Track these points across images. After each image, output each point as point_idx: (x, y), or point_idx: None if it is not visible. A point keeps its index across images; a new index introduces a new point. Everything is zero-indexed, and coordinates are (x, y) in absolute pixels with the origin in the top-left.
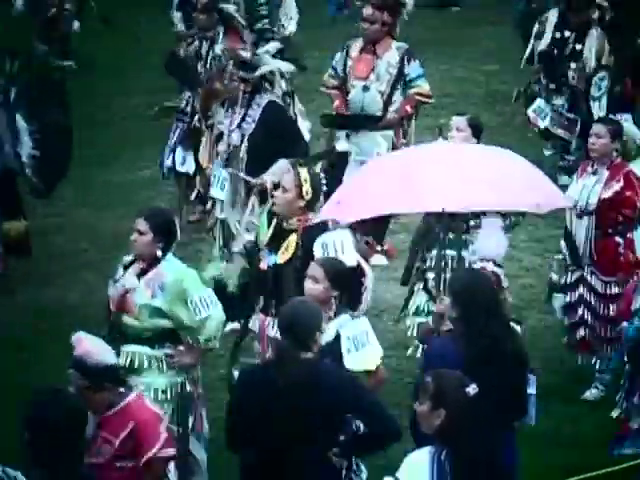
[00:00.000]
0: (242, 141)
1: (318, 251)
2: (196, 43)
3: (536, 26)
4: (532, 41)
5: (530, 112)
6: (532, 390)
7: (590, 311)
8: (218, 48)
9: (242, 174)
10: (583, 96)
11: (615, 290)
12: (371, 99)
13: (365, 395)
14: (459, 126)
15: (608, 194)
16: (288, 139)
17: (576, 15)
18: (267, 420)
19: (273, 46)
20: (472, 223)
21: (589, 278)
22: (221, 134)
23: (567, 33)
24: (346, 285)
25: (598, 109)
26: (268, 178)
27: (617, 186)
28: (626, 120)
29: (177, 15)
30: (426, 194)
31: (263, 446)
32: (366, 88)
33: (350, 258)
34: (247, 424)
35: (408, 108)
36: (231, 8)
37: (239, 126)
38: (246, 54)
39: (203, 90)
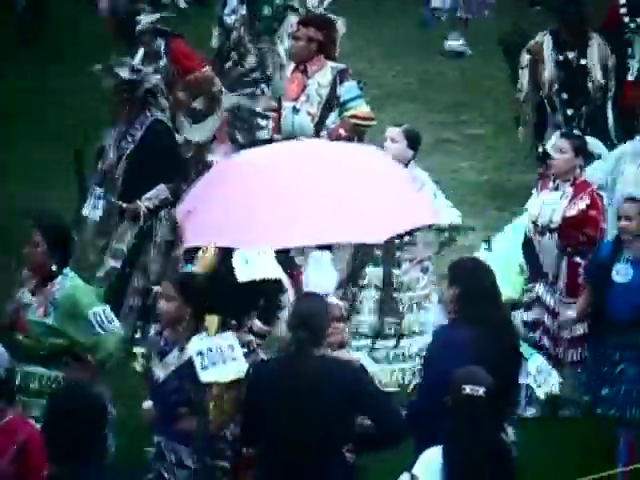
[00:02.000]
0: (119, 160)
1: (237, 263)
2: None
3: (526, 56)
4: (526, 71)
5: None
6: (523, 380)
7: (545, 332)
8: (163, 61)
9: (114, 198)
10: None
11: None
12: (301, 122)
13: (377, 392)
14: (394, 137)
15: (573, 212)
16: (168, 163)
17: (573, 33)
18: (283, 416)
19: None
20: (406, 239)
21: (547, 298)
22: (102, 149)
23: (570, 54)
24: (198, 302)
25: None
26: (143, 204)
27: (582, 204)
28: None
29: None
30: (255, 229)
31: (279, 442)
32: (296, 110)
33: (271, 272)
34: (263, 420)
35: (341, 131)
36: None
37: (118, 144)
38: (124, 74)
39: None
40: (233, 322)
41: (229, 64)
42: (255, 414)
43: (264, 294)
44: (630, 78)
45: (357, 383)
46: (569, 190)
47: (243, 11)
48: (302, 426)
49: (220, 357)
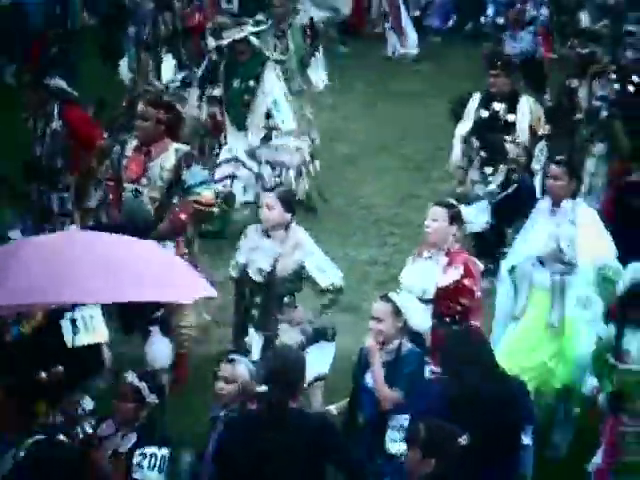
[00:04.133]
0: None
1: (65, 327)
2: (30, 121)
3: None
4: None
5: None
6: (527, 440)
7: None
8: (55, 124)
9: None
10: (522, 171)
11: None
12: (142, 205)
13: (343, 445)
14: (269, 203)
15: (446, 283)
16: None
17: (498, 84)
18: (256, 469)
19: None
20: (286, 300)
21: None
22: None
23: (496, 105)
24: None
25: (540, 183)
26: None
27: (456, 274)
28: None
29: None
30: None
31: None
32: (138, 192)
33: (99, 335)
34: (234, 473)
35: (182, 216)
36: (59, 82)
37: None
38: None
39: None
40: None
41: None
42: (227, 468)
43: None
44: None
45: (326, 436)
46: (443, 259)
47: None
48: (269, 471)
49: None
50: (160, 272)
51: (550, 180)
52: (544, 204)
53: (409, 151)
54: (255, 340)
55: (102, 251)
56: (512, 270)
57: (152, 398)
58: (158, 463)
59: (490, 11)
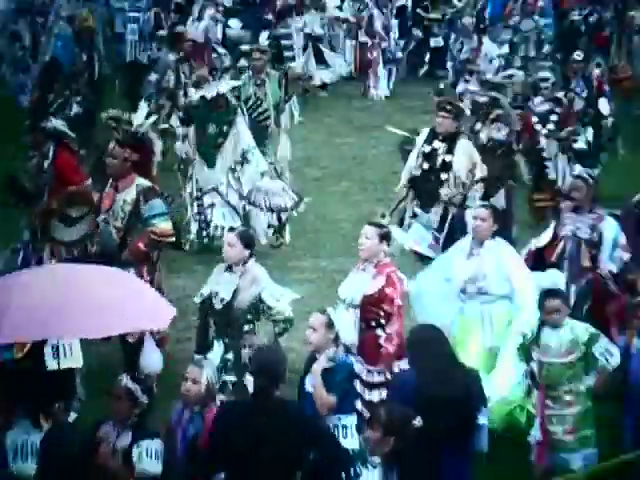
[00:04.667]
0: None
1: (47, 352)
2: (34, 160)
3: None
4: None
5: (410, 243)
6: (483, 420)
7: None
8: (47, 163)
9: None
10: (457, 211)
11: (378, 379)
12: (108, 235)
13: (326, 433)
14: (230, 241)
15: (371, 291)
16: None
17: (445, 125)
18: (245, 449)
19: None
20: (246, 328)
21: (356, 366)
22: None
23: (437, 144)
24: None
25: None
26: None
27: (380, 284)
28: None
29: None
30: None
31: (241, 471)
32: (106, 223)
33: (75, 360)
34: (227, 452)
35: (141, 246)
36: (58, 123)
37: None
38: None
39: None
40: None
41: None
42: (221, 446)
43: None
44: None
45: (309, 425)
46: (372, 271)
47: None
48: (261, 458)
49: None
50: (137, 303)
51: (476, 221)
52: (465, 243)
53: (368, 175)
54: (216, 354)
55: (85, 288)
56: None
57: (144, 398)
58: (154, 453)
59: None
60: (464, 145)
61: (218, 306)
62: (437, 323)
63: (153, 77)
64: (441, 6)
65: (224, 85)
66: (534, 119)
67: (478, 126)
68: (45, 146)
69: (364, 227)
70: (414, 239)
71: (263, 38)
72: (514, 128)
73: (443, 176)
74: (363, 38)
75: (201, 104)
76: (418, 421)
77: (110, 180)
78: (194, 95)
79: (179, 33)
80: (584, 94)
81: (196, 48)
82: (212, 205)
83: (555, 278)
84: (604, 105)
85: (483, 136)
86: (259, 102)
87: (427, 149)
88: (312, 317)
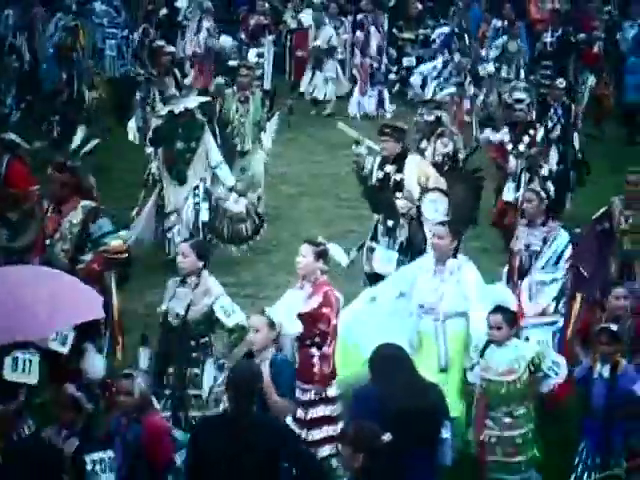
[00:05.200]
0: None
1: (8, 363)
2: None
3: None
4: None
5: (379, 263)
6: (446, 434)
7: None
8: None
9: None
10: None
11: (311, 397)
12: (55, 258)
13: (299, 445)
14: (184, 252)
15: (307, 309)
16: None
17: (388, 149)
18: (222, 462)
19: None
20: (202, 340)
21: None
22: None
23: (388, 168)
24: None
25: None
26: None
27: (316, 302)
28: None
29: None
30: None
31: None
32: (52, 247)
33: (31, 378)
34: (205, 464)
35: (95, 266)
36: (12, 137)
37: None
38: None
39: None
40: None
41: None
42: (198, 459)
43: None
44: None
45: (284, 438)
46: (309, 289)
47: None
48: (236, 472)
49: None
50: (73, 296)
51: (435, 239)
52: (428, 261)
53: (343, 193)
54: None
55: (17, 288)
56: (372, 300)
57: (89, 406)
58: (107, 465)
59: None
60: (412, 161)
61: (174, 322)
62: (386, 339)
63: (138, 95)
64: (415, 26)
65: (192, 101)
66: (505, 138)
67: (423, 144)
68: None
69: (302, 245)
70: (381, 261)
71: (252, 55)
72: (458, 146)
73: (397, 195)
74: (357, 58)
75: (168, 120)
76: (387, 437)
77: (52, 205)
78: (161, 110)
79: (158, 47)
80: (561, 122)
81: (197, 61)
82: (178, 222)
83: (500, 294)
84: (577, 140)
85: (428, 153)
86: (240, 120)
87: (380, 175)
88: (253, 318)
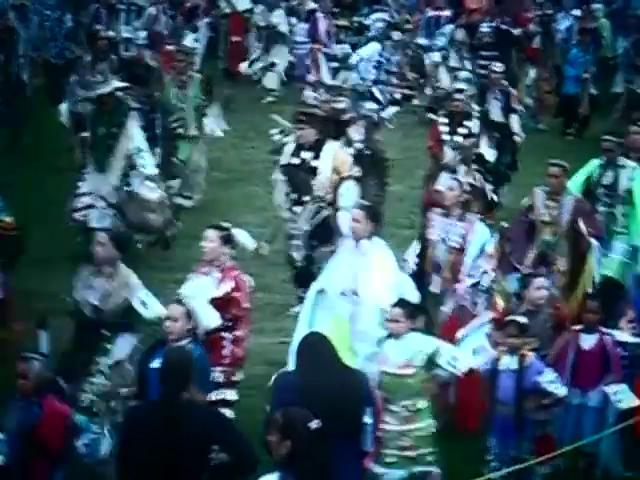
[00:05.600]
0: None
1: None
2: None
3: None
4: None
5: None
6: (370, 420)
7: None
8: None
9: None
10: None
11: (217, 379)
12: None
13: (231, 430)
14: (100, 240)
15: (219, 294)
16: None
17: (305, 135)
18: (152, 450)
19: None
20: (116, 331)
21: None
22: None
23: (304, 154)
24: None
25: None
26: None
27: (228, 287)
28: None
29: None
30: None
31: (148, 472)
32: None
33: None
34: (134, 454)
35: None
36: None
37: None
38: None
39: None
40: None
41: None
42: (128, 448)
43: None
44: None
45: (215, 423)
46: (218, 275)
47: None
48: (167, 458)
49: None
50: None
51: (351, 222)
52: (349, 243)
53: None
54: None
55: None
56: (320, 292)
57: None
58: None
59: None
60: (329, 148)
61: (88, 312)
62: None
63: (72, 78)
64: (349, 14)
65: (109, 86)
66: (442, 129)
67: (352, 133)
68: None
69: (206, 230)
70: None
71: (189, 40)
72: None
73: (312, 182)
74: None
75: (90, 106)
76: (315, 423)
77: None
78: (79, 96)
79: (96, 31)
80: (499, 106)
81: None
82: (91, 206)
83: (402, 286)
84: (515, 122)
85: (359, 145)
86: (179, 105)
87: (297, 161)
88: (171, 308)
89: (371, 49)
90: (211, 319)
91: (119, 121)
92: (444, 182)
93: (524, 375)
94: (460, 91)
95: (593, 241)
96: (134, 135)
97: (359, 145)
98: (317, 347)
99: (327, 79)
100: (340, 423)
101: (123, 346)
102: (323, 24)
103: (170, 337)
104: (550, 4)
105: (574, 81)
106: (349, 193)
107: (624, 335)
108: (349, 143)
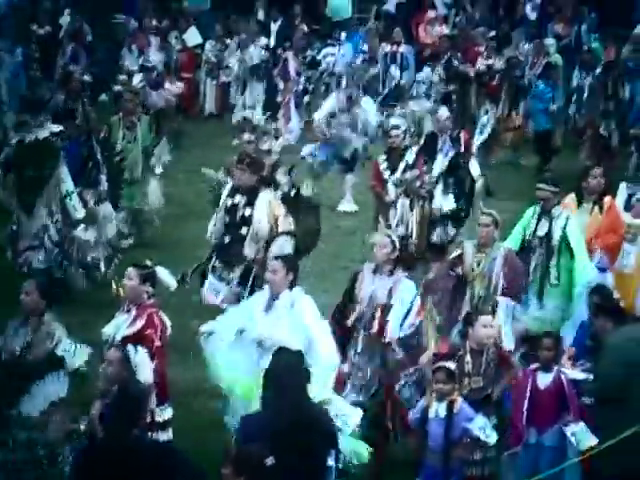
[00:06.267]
0: None
1: None
2: None
3: None
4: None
5: (204, 290)
6: (331, 461)
7: None
8: None
9: None
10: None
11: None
12: None
13: (184, 461)
14: (28, 290)
15: (130, 332)
16: None
17: (243, 179)
18: None
19: None
20: (37, 381)
21: None
22: None
23: (238, 198)
24: None
25: None
26: None
27: (139, 324)
28: None
29: None
30: None
31: None
32: None
33: None
34: None
35: None
36: None
37: None
38: None
39: None
40: None
41: None
42: None
43: None
44: None
45: (168, 456)
46: (134, 312)
47: None
48: None
49: None
50: None
51: (268, 274)
52: (262, 297)
53: None
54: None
55: None
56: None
57: None
58: None
59: None
60: (265, 198)
61: (9, 359)
62: (228, 372)
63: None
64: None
65: (44, 131)
66: (382, 166)
67: (279, 176)
68: None
69: (128, 269)
70: (209, 292)
71: (137, 80)
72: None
73: (243, 231)
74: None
75: (20, 148)
76: (270, 461)
77: None
78: (13, 140)
79: (70, 73)
80: (450, 153)
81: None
82: (31, 248)
83: (315, 340)
84: (475, 167)
85: (286, 187)
86: (127, 146)
87: (229, 203)
88: (109, 352)
89: None
90: (148, 375)
91: (51, 164)
92: (378, 239)
93: (453, 422)
94: (396, 127)
95: (508, 302)
96: (65, 179)
97: (285, 188)
98: (289, 372)
99: (295, 118)
100: (302, 463)
101: (47, 394)
102: (293, 64)
103: (106, 384)
104: (498, 39)
105: (543, 114)
106: (280, 251)
107: (575, 373)
108: (276, 187)
